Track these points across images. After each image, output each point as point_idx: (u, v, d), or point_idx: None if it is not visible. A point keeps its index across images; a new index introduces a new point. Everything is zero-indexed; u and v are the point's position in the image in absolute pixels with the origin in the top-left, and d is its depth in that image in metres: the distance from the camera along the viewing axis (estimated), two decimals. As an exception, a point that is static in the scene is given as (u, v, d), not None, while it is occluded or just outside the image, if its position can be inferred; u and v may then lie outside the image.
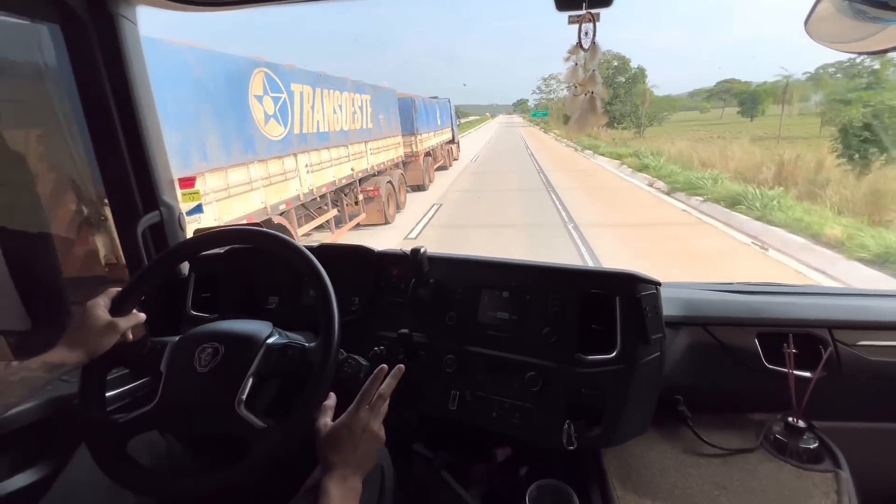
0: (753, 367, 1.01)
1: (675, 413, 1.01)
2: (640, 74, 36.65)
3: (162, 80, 3.13)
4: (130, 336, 0.85)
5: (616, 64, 37.06)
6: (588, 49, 1.03)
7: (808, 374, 0.94)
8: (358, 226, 6.96)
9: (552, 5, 1.00)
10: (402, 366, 0.78)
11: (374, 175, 7.45)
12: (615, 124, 34.78)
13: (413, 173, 9.87)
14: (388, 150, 8.24)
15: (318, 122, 5.43)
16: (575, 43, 1.11)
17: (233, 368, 0.75)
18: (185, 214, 1.38)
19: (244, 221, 4.04)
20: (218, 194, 3.77)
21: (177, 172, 3.62)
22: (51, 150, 1.33)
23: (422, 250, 1.03)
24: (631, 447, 0.96)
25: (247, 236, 0.90)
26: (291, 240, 0.85)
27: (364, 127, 7.03)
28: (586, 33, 1.07)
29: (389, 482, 0.87)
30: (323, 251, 1.11)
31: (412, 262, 1.04)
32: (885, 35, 0.80)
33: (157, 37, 3.27)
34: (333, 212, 6.20)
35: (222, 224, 3.82)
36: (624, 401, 0.88)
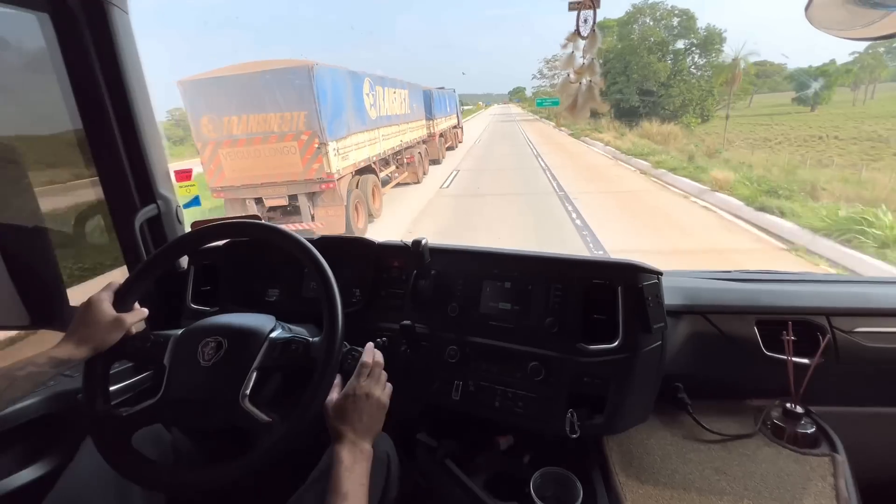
0: (752, 355, 1.02)
1: (676, 400, 1.03)
2: (716, 38, 23.21)
3: (336, 89, 5.95)
4: (133, 330, 0.85)
5: (677, 23, 24.03)
6: (587, 36, 1.02)
7: (806, 361, 0.95)
8: (398, 184, 9.66)
9: (552, -8, 0.98)
10: (370, 343, 0.84)
11: (410, 147, 10.14)
12: (677, 117, 22.42)
13: (432, 149, 12.80)
14: (417, 130, 10.97)
15: (386, 108, 8.28)
16: (573, 30, 1.10)
17: (236, 363, 0.75)
18: (182, 207, 1.37)
19: (362, 164, 6.92)
20: (356, 146, 6.66)
21: (339, 135, 6.19)
22: (46, 144, 1.30)
23: (423, 241, 1.03)
24: (632, 434, 0.97)
25: (251, 229, 0.89)
26: (293, 233, 0.85)
27: (405, 113, 9.72)
28: (585, 20, 1.06)
29: (395, 471, 0.88)
30: (324, 243, 1.11)
31: (413, 254, 1.03)
32: (887, 21, 0.79)
33: (332, 65, 5.94)
34: (391, 168, 9.04)
35: (359, 162, 6.79)
36: (626, 389, 0.89)
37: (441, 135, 14.07)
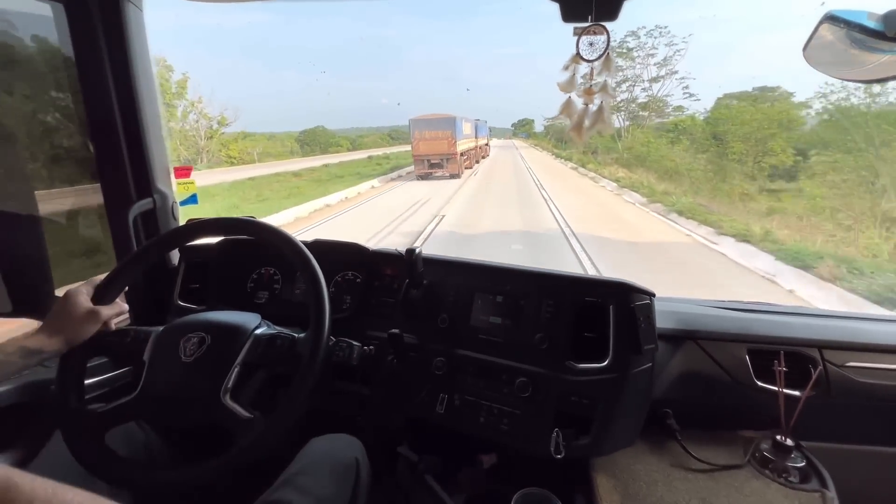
0: (743, 384, 1.01)
1: (664, 426, 1.01)
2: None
3: (459, 124, 20.64)
4: (113, 325, 0.83)
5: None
6: (598, 59, 1.05)
7: (797, 393, 0.94)
8: (465, 168, 20.66)
9: (549, 32, 1.02)
10: None
11: (470, 150, 22.62)
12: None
13: (477, 154, 24.98)
14: (472, 142, 23.00)
15: (466, 131, 22.14)
16: (574, 53, 1.13)
17: (219, 358, 0.74)
18: (178, 203, 1.36)
19: (463, 150, 21.89)
20: (461, 143, 20.70)
21: (459, 138, 23.78)
22: (44, 129, 1.31)
23: (416, 251, 1.03)
24: (619, 458, 0.95)
25: (241, 227, 0.88)
26: (285, 231, 0.84)
27: (470, 133, 23.11)
28: (591, 44, 1.09)
29: (365, 478, 0.85)
30: (317, 246, 1.10)
31: (406, 263, 1.03)
32: (884, 64, 0.81)
33: (460, 116, 21.58)
34: (465, 158, 20.87)
35: (462, 150, 22.43)
36: (614, 410, 0.87)
37: (480, 147, 27.76)
